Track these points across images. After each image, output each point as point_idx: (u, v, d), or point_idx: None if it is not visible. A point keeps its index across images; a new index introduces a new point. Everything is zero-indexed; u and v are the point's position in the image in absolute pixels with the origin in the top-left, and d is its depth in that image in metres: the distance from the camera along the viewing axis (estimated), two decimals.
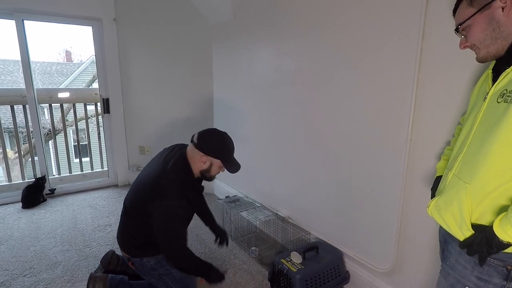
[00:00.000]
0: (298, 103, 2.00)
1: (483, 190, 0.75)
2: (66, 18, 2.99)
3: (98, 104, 3.35)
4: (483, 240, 0.73)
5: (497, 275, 0.74)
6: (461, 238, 0.80)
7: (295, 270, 1.58)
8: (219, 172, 1.57)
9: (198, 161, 1.48)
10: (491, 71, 0.84)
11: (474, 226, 0.77)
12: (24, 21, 2.80)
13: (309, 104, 1.92)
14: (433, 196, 0.99)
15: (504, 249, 0.71)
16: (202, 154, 1.47)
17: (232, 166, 1.54)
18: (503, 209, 0.72)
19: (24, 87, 2.89)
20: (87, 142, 3.65)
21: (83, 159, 3.67)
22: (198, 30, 2.90)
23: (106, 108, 3.24)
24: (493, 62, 0.85)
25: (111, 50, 3.12)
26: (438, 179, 1.01)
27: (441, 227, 0.94)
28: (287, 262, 1.65)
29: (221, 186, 3.03)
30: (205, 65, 2.95)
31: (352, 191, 1.70)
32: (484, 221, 0.76)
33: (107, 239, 2.31)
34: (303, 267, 1.61)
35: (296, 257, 1.66)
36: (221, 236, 1.85)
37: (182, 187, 1.42)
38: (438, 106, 1.26)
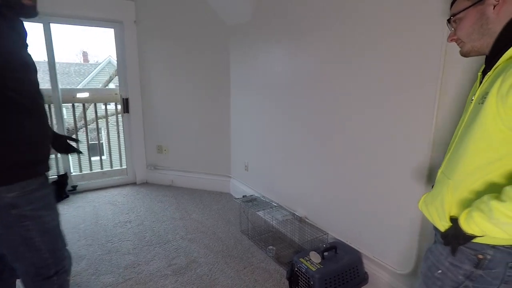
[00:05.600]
0: (315, 104, 2.02)
1: (461, 186, 0.81)
2: (89, 21, 3.10)
3: (117, 104, 3.45)
4: (454, 233, 0.79)
5: (468, 262, 0.80)
6: (442, 230, 0.85)
7: (314, 270, 1.60)
8: None
9: None
10: (480, 73, 0.88)
11: (452, 219, 0.82)
12: (50, 24, 2.91)
13: (326, 105, 1.93)
14: None
15: (470, 241, 0.77)
16: None
17: None
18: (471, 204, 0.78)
19: (49, 87, 3.01)
20: (106, 141, 3.76)
21: (102, 157, 3.78)
22: (215, 31, 2.95)
23: (126, 108, 3.34)
24: (483, 66, 0.88)
25: (131, 52, 3.21)
26: None
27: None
28: (306, 261, 1.67)
29: (238, 186, 3.07)
30: (222, 65, 3.00)
31: (371, 191, 1.71)
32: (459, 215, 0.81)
33: (127, 235, 2.38)
34: (322, 266, 1.62)
35: (315, 257, 1.68)
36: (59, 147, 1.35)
37: None
38: (462, 106, 1.25)
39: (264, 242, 2.23)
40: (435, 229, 0.92)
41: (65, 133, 3.19)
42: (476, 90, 0.83)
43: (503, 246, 0.76)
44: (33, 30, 2.80)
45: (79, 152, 1.44)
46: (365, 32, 1.62)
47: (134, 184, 3.51)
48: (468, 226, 0.74)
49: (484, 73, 0.84)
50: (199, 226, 2.51)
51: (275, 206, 2.37)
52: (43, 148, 1.10)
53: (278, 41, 2.30)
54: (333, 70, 1.86)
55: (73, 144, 1.40)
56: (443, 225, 0.85)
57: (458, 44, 0.90)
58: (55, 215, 1.17)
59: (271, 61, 2.40)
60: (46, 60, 2.96)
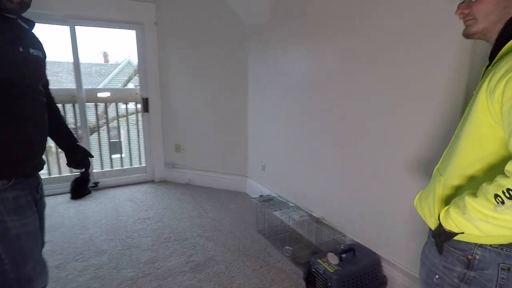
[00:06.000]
0: (335, 105, 2.01)
1: (451, 183, 0.78)
2: (112, 23, 3.20)
3: (137, 103, 3.54)
4: (438, 230, 0.78)
5: (459, 264, 0.78)
6: (433, 228, 0.83)
7: (332, 271, 1.59)
8: None
9: None
10: (485, 68, 0.82)
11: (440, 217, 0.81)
12: (76, 26, 3.02)
13: (346, 106, 1.92)
14: None
15: (450, 238, 0.76)
16: None
17: None
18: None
19: (73, 87, 3.13)
20: (126, 139, 3.87)
21: (123, 155, 3.90)
22: (233, 32, 2.98)
23: (146, 107, 3.42)
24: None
25: (151, 52, 3.29)
26: None
27: None
28: (324, 262, 1.66)
29: (254, 185, 3.09)
30: (240, 65, 3.02)
31: (390, 194, 1.68)
32: None
33: (147, 231, 2.44)
34: (340, 268, 1.62)
35: (332, 258, 1.67)
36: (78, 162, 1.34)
37: None
38: None
39: (281, 242, 2.24)
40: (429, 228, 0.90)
41: (88, 131, 3.30)
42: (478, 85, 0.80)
43: (490, 245, 0.74)
44: (59, 32, 2.94)
45: (87, 169, 1.39)
46: (388, 32, 1.60)
47: (152, 182, 3.59)
48: (446, 222, 0.73)
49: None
50: (216, 225, 2.55)
51: (292, 206, 2.37)
52: (14, 151, 1.01)
53: (297, 42, 2.30)
54: (353, 71, 1.85)
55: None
56: (434, 222, 0.83)
57: (465, 21, 0.78)
58: (26, 222, 1.01)
59: (290, 61, 2.40)
60: (71, 61, 3.07)
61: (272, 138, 2.76)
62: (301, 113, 2.34)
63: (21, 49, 1.02)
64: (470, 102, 0.80)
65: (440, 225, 0.77)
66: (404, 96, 1.55)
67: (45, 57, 1.19)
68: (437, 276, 0.83)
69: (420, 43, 1.45)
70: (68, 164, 1.33)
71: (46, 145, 1.19)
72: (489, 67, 0.75)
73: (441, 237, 0.77)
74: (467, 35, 0.80)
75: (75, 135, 1.39)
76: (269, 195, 2.61)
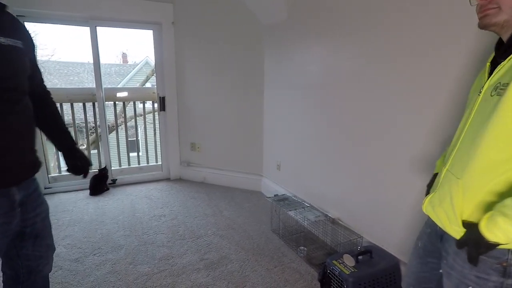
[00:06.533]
0: (350, 103, 1.96)
1: (473, 185, 0.73)
2: (131, 23, 3.27)
3: (154, 102, 3.59)
4: (474, 240, 0.71)
5: (493, 272, 0.72)
6: (457, 236, 0.77)
7: (348, 273, 1.55)
8: None
9: None
10: (489, 64, 0.78)
11: (465, 224, 0.74)
12: (97, 27, 3.10)
13: (363, 105, 1.87)
14: (427, 193, 0.98)
15: (492, 249, 0.68)
16: None
17: None
18: (491, 206, 0.69)
19: (93, 86, 3.21)
20: (143, 138, 3.94)
21: (139, 153, 3.97)
22: (250, 31, 2.98)
23: (162, 106, 3.47)
24: (492, 55, 0.78)
25: (169, 52, 3.33)
26: (435, 176, 0.98)
27: (429, 219, 0.93)
28: (339, 264, 1.63)
29: (269, 184, 3.08)
30: (257, 65, 3.01)
31: (412, 196, 1.62)
32: (475, 219, 0.73)
33: (162, 228, 2.47)
34: (356, 270, 1.57)
35: (348, 260, 1.63)
36: (75, 167, 1.24)
37: None
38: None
39: (295, 242, 2.21)
40: (443, 233, 0.84)
41: (107, 130, 3.38)
42: (485, 82, 0.74)
43: None
44: (80, 33, 3.02)
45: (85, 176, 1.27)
46: (408, 33, 1.55)
47: (168, 179, 3.64)
48: (491, 233, 0.66)
49: (494, 63, 0.75)
50: (230, 223, 2.55)
51: (307, 206, 2.34)
52: None
53: (314, 41, 2.27)
54: (371, 71, 1.80)
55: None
56: (455, 230, 0.77)
57: (485, 9, 0.71)
58: None
59: (307, 60, 2.37)
60: (91, 62, 3.16)
61: (288, 138, 2.73)
62: (317, 113, 2.30)
63: None
64: (476, 100, 0.76)
65: (475, 235, 0.70)
66: (423, 98, 1.50)
67: (29, 46, 1.03)
68: None
69: (439, 49, 1.40)
70: (68, 170, 1.22)
71: (34, 147, 1.06)
72: (503, 62, 0.70)
73: (480, 248, 0.70)
74: (485, 25, 0.73)
75: (72, 136, 1.26)
76: (284, 194, 2.59)
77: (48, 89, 1.22)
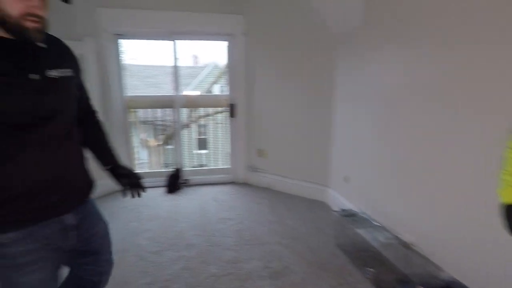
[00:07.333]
0: (432, 116, 1.79)
1: None
2: (207, 36, 3.52)
3: (224, 108, 3.80)
4: None
5: None
6: None
7: None
8: (27, 10, 0.78)
9: None
10: None
11: None
12: (176, 41, 3.42)
13: (446, 118, 1.70)
14: None
15: None
16: None
17: None
18: None
19: (170, 90, 3.55)
20: (213, 142, 4.20)
21: (209, 157, 4.24)
22: (321, 40, 2.94)
23: (232, 113, 3.64)
24: None
25: (239, 61, 3.50)
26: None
27: None
28: None
29: (335, 196, 3.00)
30: (327, 74, 2.96)
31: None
32: None
33: (228, 232, 2.60)
34: None
35: None
36: (129, 183, 1.22)
37: None
38: None
39: (362, 261, 2.12)
40: None
41: (180, 131, 3.68)
42: None
43: None
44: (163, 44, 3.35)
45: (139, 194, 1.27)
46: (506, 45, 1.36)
47: (234, 183, 3.81)
48: None
49: None
50: (293, 233, 2.56)
51: (378, 226, 2.22)
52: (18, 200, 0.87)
53: (393, 50, 2.13)
54: (456, 84, 1.62)
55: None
56: None
57: None
58: (26, 281, 0.91)
59: (385, 70, 2.25)
60: (167, 65, 3.51)
61: (358, 150, 2.63)
62: (392, 125, 2.17)
63: (34, 76, 0.84)
64: None
65: None
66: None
67: (77, 70, 1.02)
68: None
69: None
70: (124, 190, 1.22)
71: (85, 171, 1.09)
72: None
73: None
74: None
75: (116, 154, 1.24)
76: (351, 209, 2.50)
77: (94, 108, 1.22)
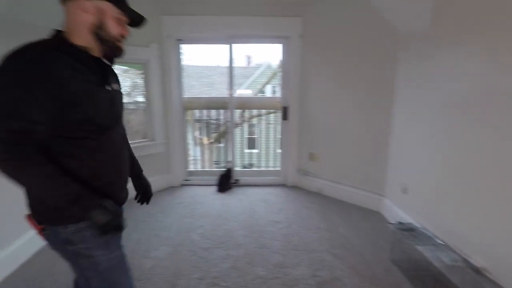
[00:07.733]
0: (507, 125, 1.56)
1: None
2: (263, 39, 3.55)
3: (278, 111, 3.79)
4: None
5: None
6: None
7: None
8: (122, 33, 1.02)
9: (78, 15, 0.93)
10: None
11: None
12: (232, 44, 3.51)
13: None
14: None
15: None
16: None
17: (129, 9, 1.03)
18: None
19: (225, 92, 3.65)
20: (265, 143, 4.23)
21: (260, 158, 4.28)
22: (381, 42, 2.76)
23: (285, 115, 3.62)
24: None
25: (294, 63, 3.46)
26: None
27: None
28: None
29: (391, 207, 2.80)
30: (386, 78, 2.77)
31: None
32: None
33: (277, 235, 2.59)
34: None
35: None
36: (143, 192, 1.39)
37: (46, 54, 0.87)
38: None
39: (420, 282, 1.94)
40: None
41: (233, 127, 3.77)
42: None
43: None
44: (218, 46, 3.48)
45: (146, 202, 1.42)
46: None
47: (284, 186, 3.79)
48: None
49: None
50: (345, 243, 2.45)
51: (440, 244, 2.01)
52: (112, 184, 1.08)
53: (466, 52, 1.91)
54: None
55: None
56: None
57: None
58: (112, 256, 1.07)
59: (454, 76, 2.02)
60: (221, 65, 3.63)
61: (419, 159, 2.41)
62: (465, 134, 1.93)
63: (108, 88, 1.04)
64: None
65: None
66: None
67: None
68: None
69: None
70: (137, 195, 1.38)
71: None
72: None
73: None
74: None
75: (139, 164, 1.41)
76: (410, 223, 2.30)
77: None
